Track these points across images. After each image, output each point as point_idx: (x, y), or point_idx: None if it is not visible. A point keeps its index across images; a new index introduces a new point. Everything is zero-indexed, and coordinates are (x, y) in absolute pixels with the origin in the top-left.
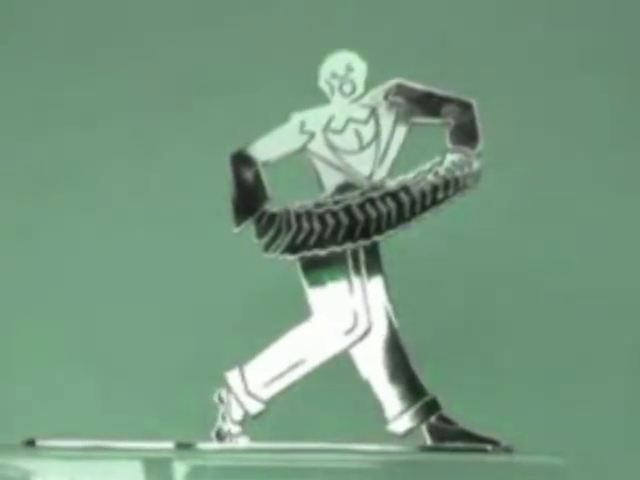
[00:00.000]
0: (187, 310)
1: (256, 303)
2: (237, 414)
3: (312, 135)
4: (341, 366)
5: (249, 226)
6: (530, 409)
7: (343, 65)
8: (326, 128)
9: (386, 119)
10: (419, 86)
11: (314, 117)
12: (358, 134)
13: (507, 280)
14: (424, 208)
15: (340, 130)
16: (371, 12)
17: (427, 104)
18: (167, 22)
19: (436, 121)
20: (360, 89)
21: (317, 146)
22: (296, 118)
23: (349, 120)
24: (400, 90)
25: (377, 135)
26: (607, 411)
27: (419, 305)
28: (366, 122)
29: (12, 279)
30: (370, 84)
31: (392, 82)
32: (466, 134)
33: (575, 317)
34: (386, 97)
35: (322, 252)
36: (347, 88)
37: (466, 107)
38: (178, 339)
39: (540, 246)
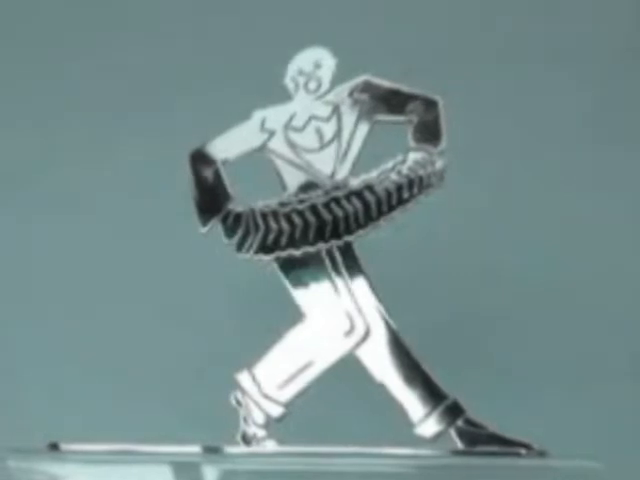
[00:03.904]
0: (179, 311)
1: (245, 303)
2: (259, 417)
3: (272, 133)
4: (358, 368)
5: (216, 226)
6: (537, 411)
7: (312, 62)
8: (287, 126)
9: (348, 117)
10: (386, 83)
11: (275, 115)
12: (319, 132)
13: (485, 280)
14: (391, 207)
15: (301, 128)
16: (341, 9)
17: (392, 101)
18: (126, 19)
19: (400, 119)
20: (325, 86)
21: (277, 144)
22: (257, 116)
23: (311, 118)
24: (366, 87)
25: (338, 133)
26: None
27: (403, 306)
28: (328, 120)
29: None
30: (339, 81)
31: (359, 79)
32: (429, 132)
33: (572, 315)
34: (351, 94)
35: (296, 252)
36: (312, 85)
37: (430, 104)
38: (176, 340)
39: (516, 245)
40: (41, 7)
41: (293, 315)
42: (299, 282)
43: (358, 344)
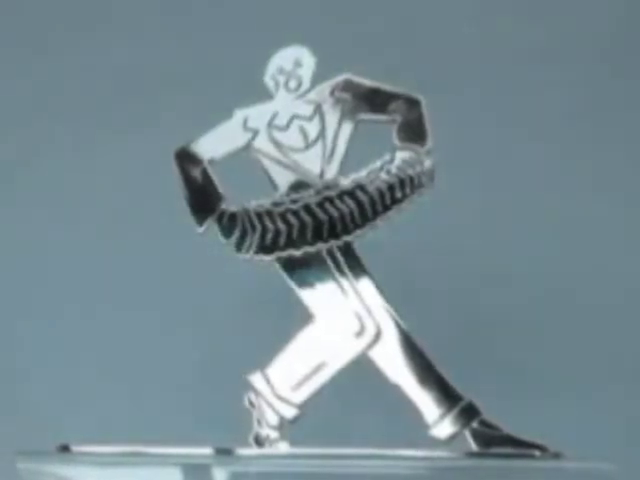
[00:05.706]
0: (190, 312)
1: (254, 303)
2: (272, 419)
3: (256, 132)
4: (371, 369)
5: (213, 226)
6: (551, 413)
7: (292, 60)
8: (270, 125)
9: (331, 116)
10: (367, 82)
11: (257, 113)
12: (303, 131)
13: (493, 280)
14: (385, 207)
15: (284, 127)
16: (321, 7)
17: (374, 100)
18: (109, 17)
19: (382, 118)
20: (306, 85)
21: (262, 143)
22: (239, 115)
23: (293, 117)
24: (347, 86)
25: (322, 132)
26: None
27: (409, 306)
28: (311, 119)
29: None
30: (319, 80)
31: (340, 77)
32: (414, 131)
33: (578, 316)
34: (332, 93)
35: (297, 252)
36: (293, 84)
37: (413, 104)
38: (187, 341)
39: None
40: (24, 5)
41: (302, 316)
42: (304, 283)
43: (370, 345)
